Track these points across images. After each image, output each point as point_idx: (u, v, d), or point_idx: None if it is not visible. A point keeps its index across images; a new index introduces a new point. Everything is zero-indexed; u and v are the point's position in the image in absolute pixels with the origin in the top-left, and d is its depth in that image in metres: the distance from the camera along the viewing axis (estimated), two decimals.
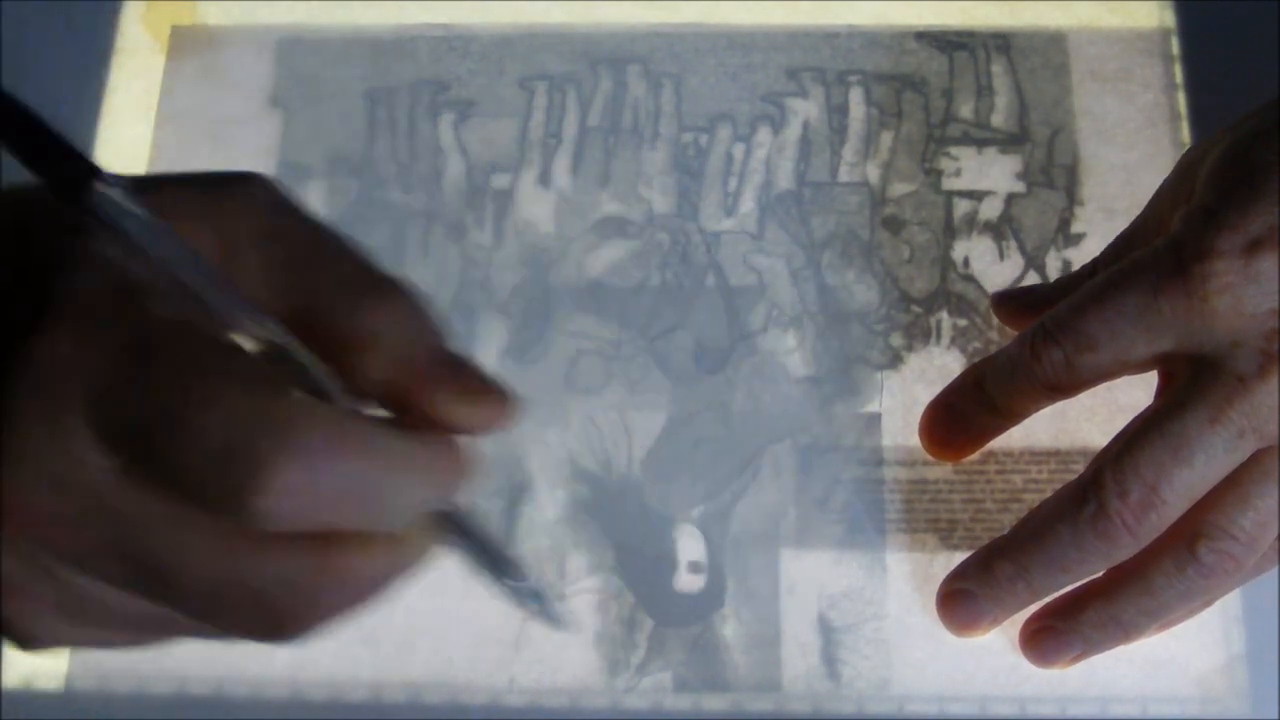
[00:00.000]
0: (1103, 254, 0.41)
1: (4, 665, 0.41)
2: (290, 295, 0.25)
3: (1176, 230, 0.35)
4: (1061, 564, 0.36)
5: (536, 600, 0.31)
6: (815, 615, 0.41)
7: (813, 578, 0.42)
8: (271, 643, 0.26)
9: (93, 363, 0.23)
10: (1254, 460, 0.34)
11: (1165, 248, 0.35)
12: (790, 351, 0.44)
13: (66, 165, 0.22)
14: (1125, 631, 0.37)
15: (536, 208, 0.47)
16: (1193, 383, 0.34)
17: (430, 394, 0.26)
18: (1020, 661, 0.40)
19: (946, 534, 0.42)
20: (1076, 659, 0.38)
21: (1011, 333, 0.44)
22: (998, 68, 0.49)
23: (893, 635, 0.41)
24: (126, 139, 0.48)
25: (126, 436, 0.23)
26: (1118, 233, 0.41)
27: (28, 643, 0.26)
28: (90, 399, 0.23)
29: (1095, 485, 0.35)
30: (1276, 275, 0.33)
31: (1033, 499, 0.42)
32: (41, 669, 0.41)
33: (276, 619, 0.26)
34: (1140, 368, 0.36)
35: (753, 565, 0.42)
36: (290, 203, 0.27)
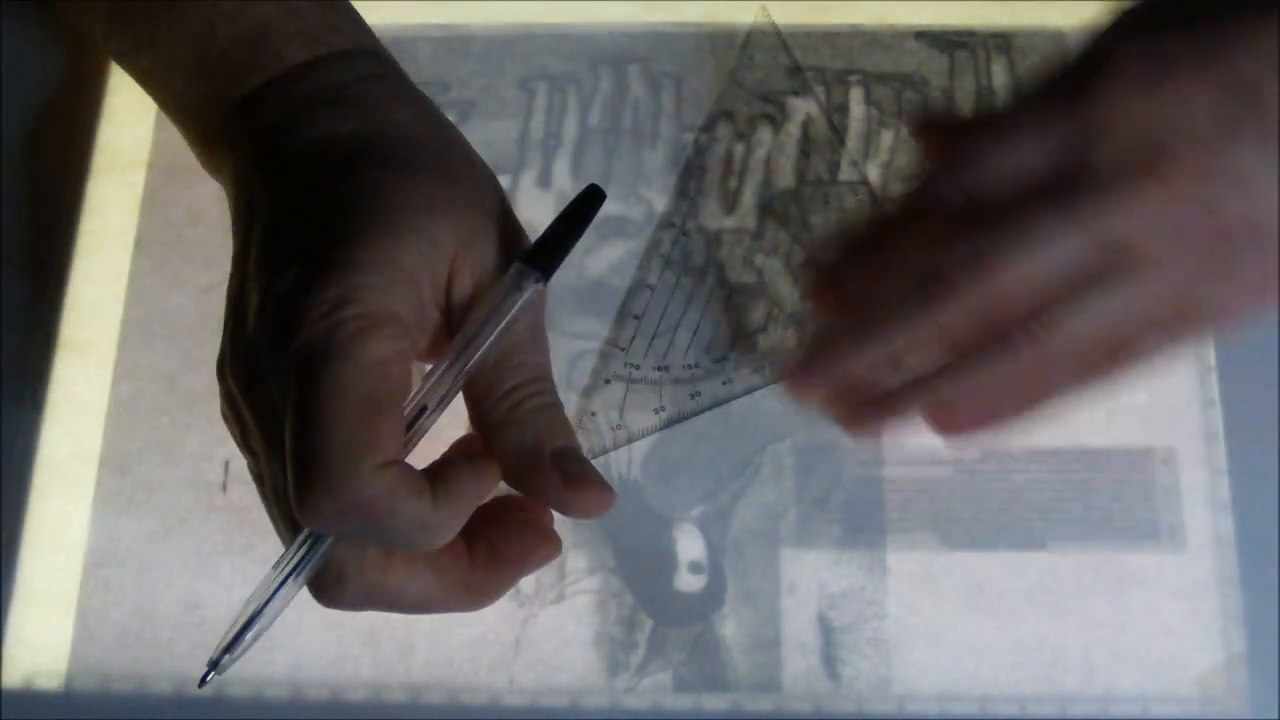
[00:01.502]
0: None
1: (4, 665, 0.41)
2: (501, 369, 0.35)
3: (1081, 47, 0.35)
4: (897, 330, 0.34)
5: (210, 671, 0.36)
6: (815, 615, 0.41)
7: (813, 578, 0.42)
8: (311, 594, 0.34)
9: (312, 344, 0.32)
10: (1097, 269, 0.33)
11: (1069, 62, 0.34)
12: (790, 351, 0.44)
13: (548, 257, 0.36)
14: (933, 394, 0.35)
15: (537, 208, 0.47)
16: (1060, 180, 0.33)
17: (544, 486, 0.34)
18: (1020, 661, 0.40)
19: (946, 534, 0.42)
20: (885, 417, 0.36)
21: None
22: (998, 68, 0.49)
23: (893, 635, 0.41)
24: (126, 139, 0.48)
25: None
26: None
27: None
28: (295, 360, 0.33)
29: (941, 249, 0.33)
30: (1167, 99, 0.32)
31: (1033, 499, 0.42)
32: (41, 669, 0.41)
33: (313, 582, 0.34)
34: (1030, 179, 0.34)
35: (753, 565, 0.42)
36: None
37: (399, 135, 0.37)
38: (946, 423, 0.36)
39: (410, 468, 0.33)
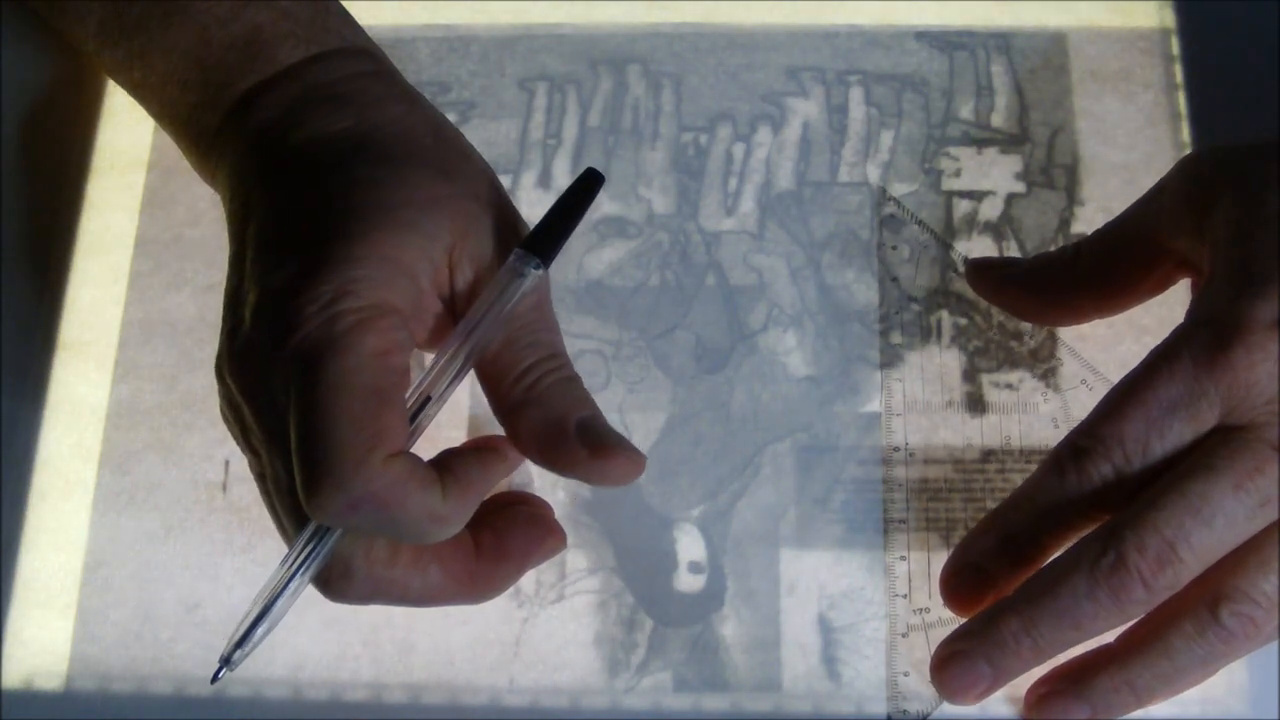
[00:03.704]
0: (1088, 239, 0.41)
1: (4, 665, 0.41)
2: (514, 350, 0.36)
3: (1207, 306, 0.35)
4: (1073, 618, 0.35)
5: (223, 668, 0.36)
6: (815, 615, 0.41)
7: (813, 578, 0.42)
8: (317, 588, 0.35)
9: (309, 341, 0.33)
10: (1275, 526, 0.34)
11: (1199, 326, 0.35)
12: (790, 351, 0.44)
13: (547, 243, 0.37)
14: (1138, 697, 0.36)
15: (537, 208, 0.47)
16: (1221, 447, 0.34)
17: (571, 459, 0.35)
18: None
19: (946, 534, 0.42)
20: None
21: (1005, 318, 0.44)
22: (998, 68, 0.49)
23: (893, 635, 0.41)
24: (126, 139, 0.48)
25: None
26: None
27: None
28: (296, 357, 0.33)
29: (1114, 538, 0.34)
30: None
31: None
32: (41, 669, 0.41)
33: (320, 576, 0.34)
34: (1181, 454, 0.35)
35: (753, 565, 0.42)
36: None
37: (393, 131, 0.38)
38: (1132, 705, 0.37)
39: (418, 459, 0.33)
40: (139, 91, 0.42)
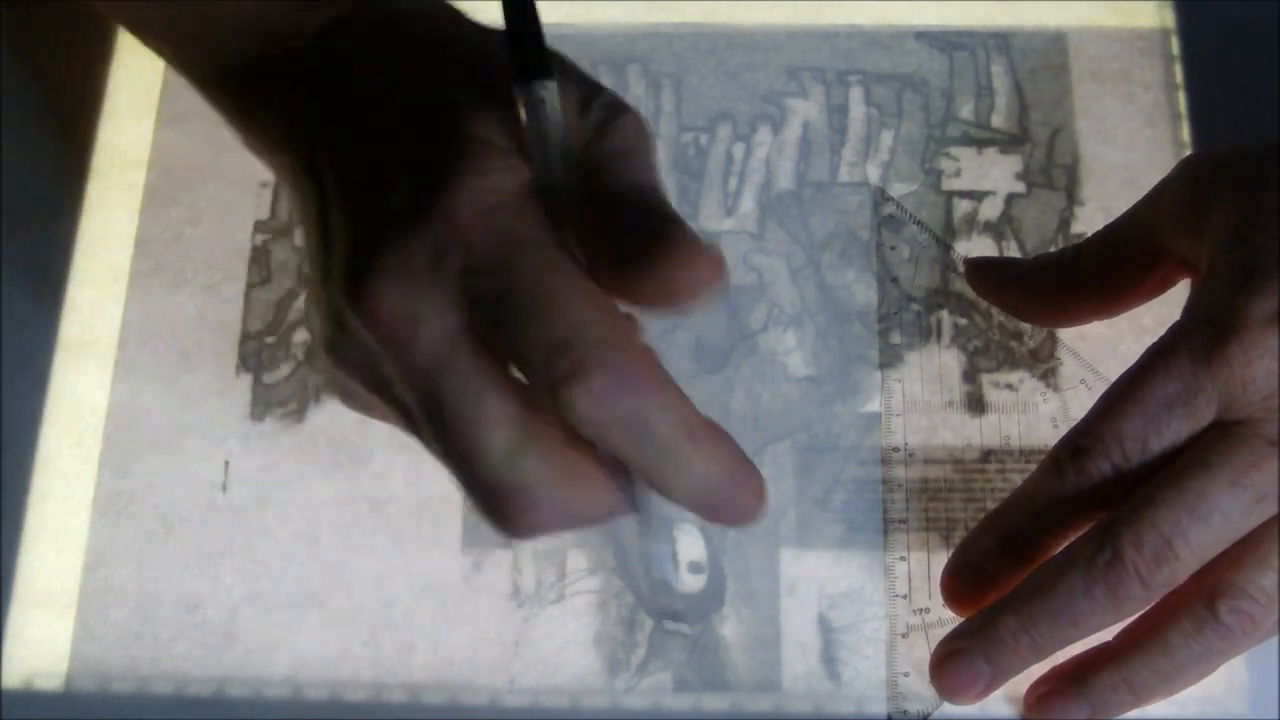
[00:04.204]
0: (1087, 241, 0.41)
1: (4, 665, 0.41)
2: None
3: (1205, 303, 0.35)
4: (1070, 616, 0.35)
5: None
6: (815, 615, 0.41)
7: (813, 578, 0.42)
8: (495, 527, 0.31)
9: (478, 238, 0.29)
10: (1274, 521, 0.34)
11: (1196, 323, 0.35)
12: (790, 351, 0.44)
13: (532, 57, 0.30)
14: (1137, 695, 0.36)
15: None
16: (1218, 443, 0.34)
17: (652, 259, 0.29)
18: None
19: (946, 534, 0.42)
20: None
21: (1005, 318, 0.44)
22: (998, 68, 0.49)
23: (893, 635, 0.41)
24: (126, 139, 0.48)
25: (487, 305, 0.29)
26: None
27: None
28: (468, 267, 0.29)
29: (1110, 535, 0.34)
30: None
31: None
32: (41, 669, 0.41)
33: (504, 514, 0.30)
34: (1179, 451, 0.35)
35: (753, 565, 0.42)
36: (644, 148, 0.33)
37: (468, 44, 0.34)
38: (1131, 703, 0.37)
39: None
40: (186, 50, 0.38)
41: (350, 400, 0.34)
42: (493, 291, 0.29)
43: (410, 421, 0.32)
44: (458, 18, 0.36)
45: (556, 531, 0.31)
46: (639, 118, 0.33)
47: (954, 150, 0.48)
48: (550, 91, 0.30)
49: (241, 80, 0.37)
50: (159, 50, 0.41)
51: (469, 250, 0.29)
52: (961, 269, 0.45)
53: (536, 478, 0.30)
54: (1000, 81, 0.49)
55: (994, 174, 0.47)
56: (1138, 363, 0.35)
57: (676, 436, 0.29)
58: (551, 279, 0.29)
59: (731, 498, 0.31)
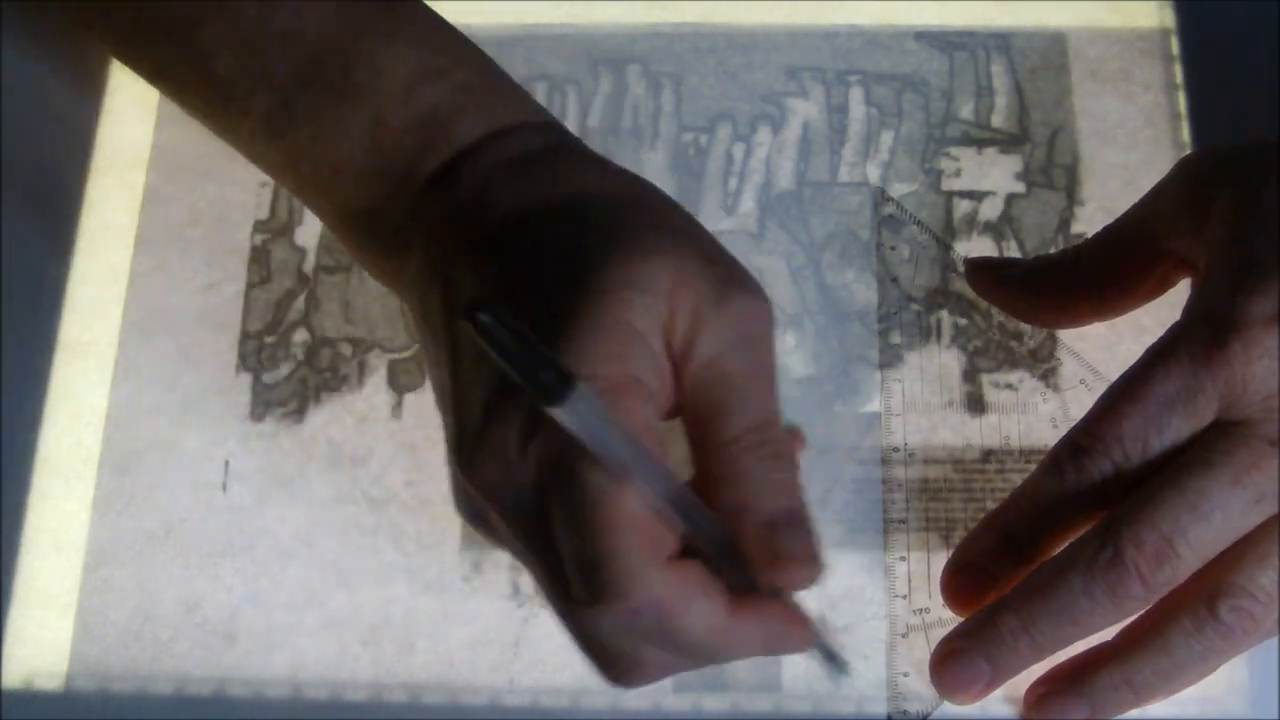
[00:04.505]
0: (1087, 242, 0.41)
1: (4, 665, 0.41)
2: (706, 444, 0.32)
3: (1205, 303, 0.35)
4: (1070, 615, 0.35)
5: (829, 659, 0.37)
6: (815, 615, 0.41)
7: None
8: (605, 681, 0.33)
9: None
10: (1274, 521, 0.34)
11: (1195, 323, 0.35)
12: (790, 351, 0.44)
13: (545, 374, 0.26)
14: (1137, 695, 0.36)
15: None
16: (1218, 442, 0.34)
17: (749, 552, 0.31)
18: None
19: (946, 534, 0.42)
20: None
21: (1005, 318, 0.44)
22: (998, 68, 0.49)
23: (893, 635, 0.41)
24: (126, 139, 0.48)
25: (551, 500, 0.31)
26: None
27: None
28: (543, 459, 0.30)
29: (1111, 534, 0.34)
30: None
31: None
32: (41, 669, 0.41)
33: (610, 672, 0.33)
34: (1179, 450, 0.35)
35: None
36: (758, 334, 0.33)
37: (597, 195, 0.35)
38: (1131, 703, 0.37)
39: (701, 567, 0.31)
40: (305, 190, 0.39)
41: (470, 520, 0.35)
42: (557, 487, 0.30)
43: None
44: (564, 166, 0.36)
45: (664, 678, 0.34)
46: (755, 305, 0.33)
47: (954, 150, 0.48)
48: (584, 394, 0.27)
49: (365, 216, 0.38)
50: (282, 183, 0.41)
51: (546, 448, 0.30)
52: (961, 269, 0.45)
53: (645, 649, 0.32)
54: (1000, 81, 0.49)
55: (994, 174, 0.47)
56: (1138, 362, 0.35)
57: (704, 645, 0.31)
58: (598, 494, 0.30)
59: (775, 652, 0.34)
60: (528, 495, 0.31)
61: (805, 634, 0.33)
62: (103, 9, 0.41)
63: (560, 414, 0.27)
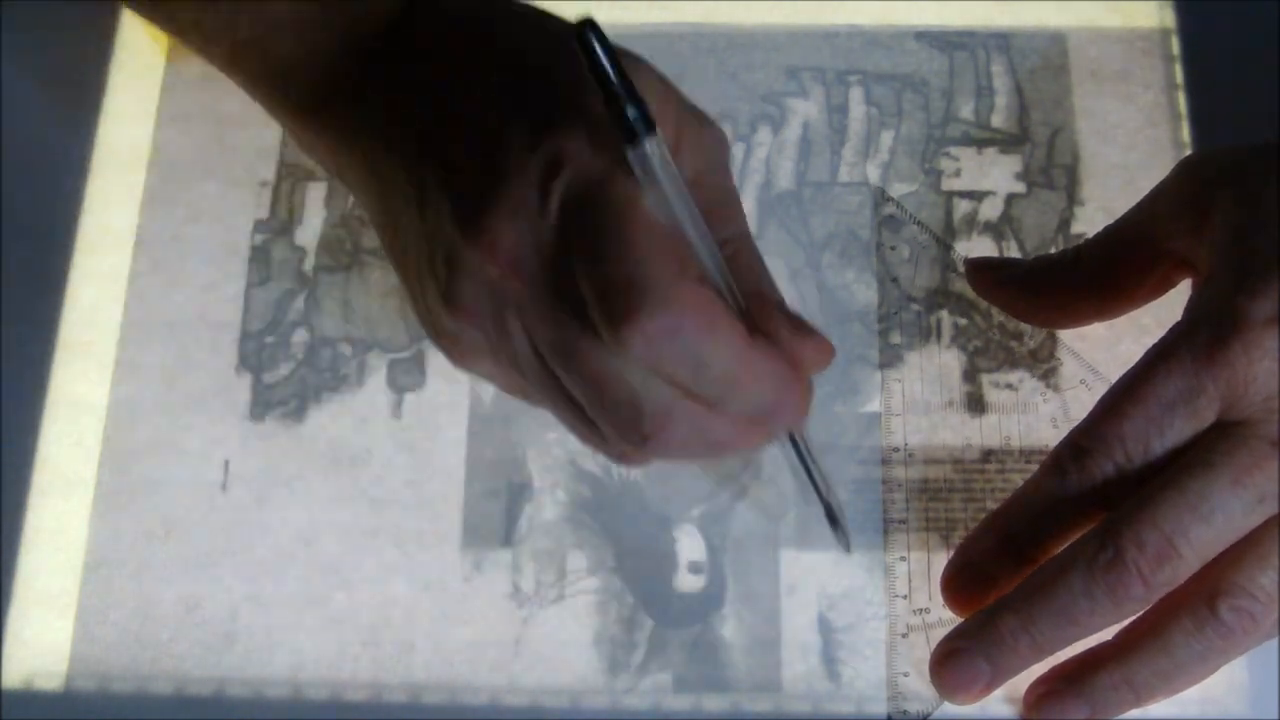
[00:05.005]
0: (1088, 243, 0.41)
1: (4, 665, 0.41)
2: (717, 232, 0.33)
3: (1206, 304, 0.35)
4: (1071, 615, 0.35)
5: (833, 523, 0.38)
6: (815, 615, 0.41)
7: (813, 578, 0.42)
8: (631, 449, 0.33)
9: (582, 167, 0.31)
10: (1274, 521, 0.34)
11: (1197, 324, 0.35)
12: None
13: (630, 112, 0.29)
14: (1137, 695, 0.36)
15: None
16: (1219, 443, 0.34)
17: (776, 328, 0.32)
18: None
19: (946, 534, 0.42)
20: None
21: (1005, 318, 0.44)
22: (998, 68, 0.49)
23: (892, 635, 0.41)
24: (126, 139, 0.48)
25: (576, 232, 0.31)
26: None
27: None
28: (568, 196, 0.31)
29: (1111, 534, 0.34)
30: None
31: None
32: (41, 669, 0.41)
33: (638, 430, 0.32)
34: (1181, 451, 0.35)
35: (753, 566, 0.42)
36: (725, 160, 0.35)
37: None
38: (1131, 703, 0.36)
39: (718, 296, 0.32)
40: (242, 54, 0.38)
41: (460, 352, 0.35)
42: (583, 221, 0.31)
43: (530, 358, 0.33)
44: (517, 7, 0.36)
45: (688, 455, 0.33)
46: (720, 134, 0.35)
47: (954, 150, 0.48)
48: (659, 144, 0.30)
49: (304, 75, 0.37)
50: (209, 56, 0.40)
51: (571, 180, 0.31)
52: (961, 269, 0.45)
53: (673, 396, 0.31)
54: (1000, 81, 0.49)
55: (994, 174, 0.47)
56: (1139, 363, 0.35)
57: (724, 372, 0.31)
58: (628, 217, 0.30)
59: (778, 412, 0.33)
60: (552, 242, 0.31)
61: (822, 355, 0.34)
62: None
63: (635, 154, 0.30)
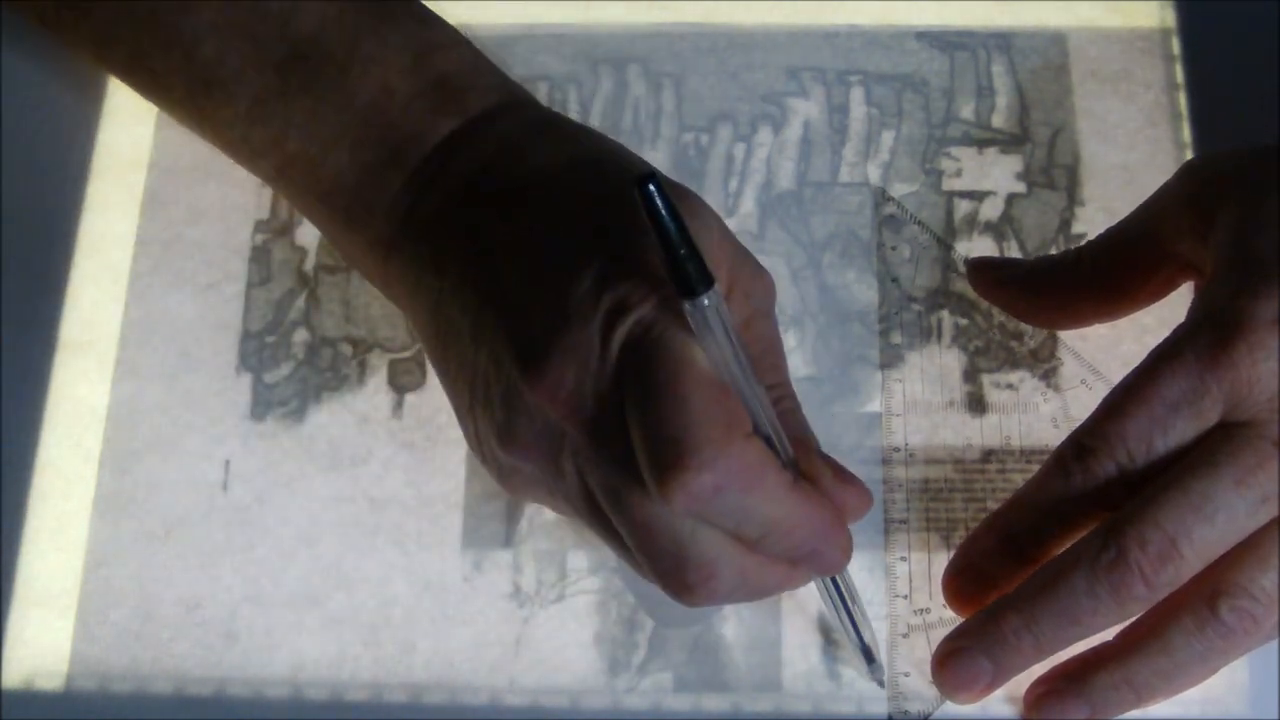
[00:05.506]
0: (1090, 244, 0.41)
1: (4, 665, 0.41)
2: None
3: (1209, 305, 0.35)
4: (1073, 614, 0.35)
5: (869, 660, 0.39)
6: (815, 615, 0.41)
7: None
8: (675, 596, 0.34)
9: (643, 318, 0.32)
10: (1276, 522, 0.34)
11: (1201, 324, 0.35)
12: (790, 351, 0.44)
13: (692, 265, 0.30)
14: (1138, 695, 0.36)
15: None
16: (1223, 444, 0.34)
17: (819, 475, 0.34)
18: None
19: (946, 534, 0.42)
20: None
21: (1006, 318, 0.44)
22: (998, 68, 0.49)
23: (892, 635, 0.41)
24: (126, 139, 0.48)
25: (629, 384, 0.32)
26: None
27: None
28: (626, 345, 0.32)
29: (1114, 534, 0.34)
30: None
31: None
32: (41, 669, 0.41)
33: (685, 582, 0.33)
34: (1184, 451, 0.35)
35: None
36: (773, 307, 0.37)
37: (624, 153, 0.38)
38: (1132, 703, 0.37)
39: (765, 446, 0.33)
40: (289, 169, 0.39)
41: (513, 485, 0.36)
42: (639, 371, 0.32)
43: (583, 497, 0.34)
44: (584, 131, 0.38)
45: (731, 601, 0.35)
46: (770, 281, 0.37)
47: (954, 150, 0.48)
48: (716, 297, 0.31)
49: (355, 189, 0.38)
50: (256, 170, 0.42)
51: (630, 329, 0.32)
52: (962, 269, 0.45)
53: (718, 548, 0.32)
54: (1001, 81, 0.49)
55: (994, 174, 0.47)
56: (1143, 364, 0.35)
57: (768, 519, 0.32)
58: (681, 371, 0.31)
59: (821, 557, 0.34)
60: (609, 390, 0.32)
61: (864, 503, 0.35)
62: (77, 4, 0.42)
63: (693, 308, 0.30)
